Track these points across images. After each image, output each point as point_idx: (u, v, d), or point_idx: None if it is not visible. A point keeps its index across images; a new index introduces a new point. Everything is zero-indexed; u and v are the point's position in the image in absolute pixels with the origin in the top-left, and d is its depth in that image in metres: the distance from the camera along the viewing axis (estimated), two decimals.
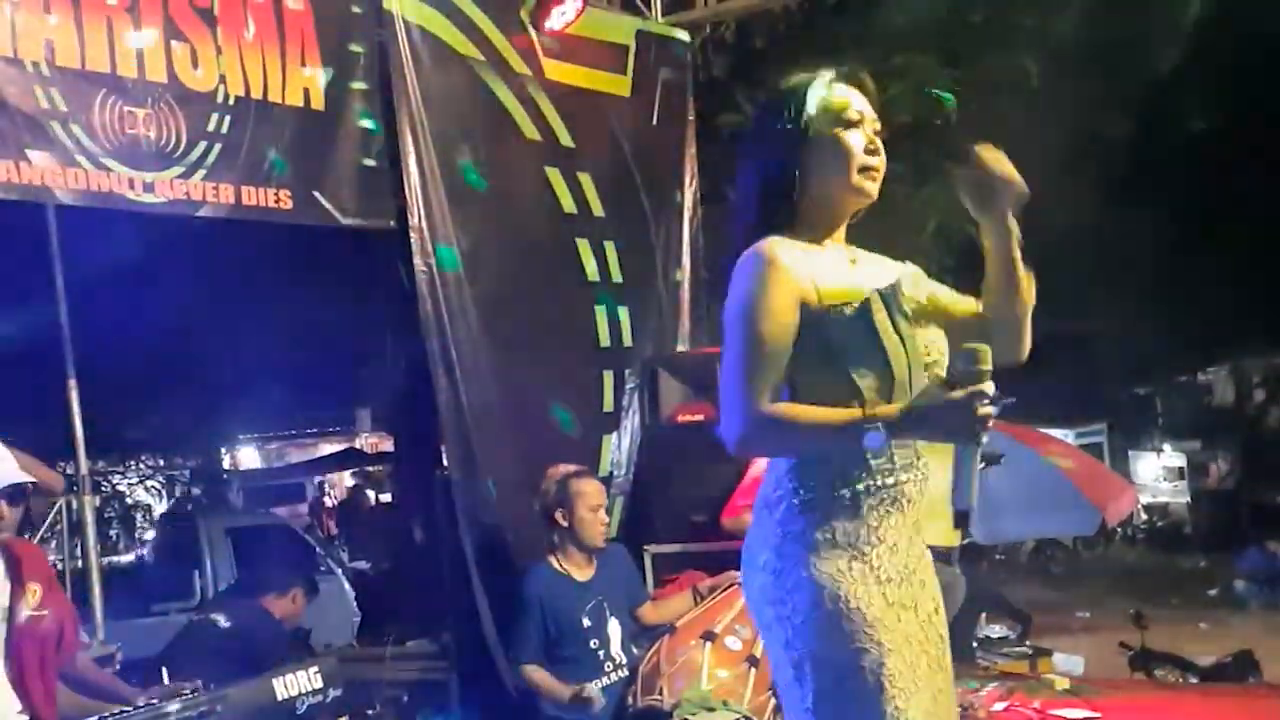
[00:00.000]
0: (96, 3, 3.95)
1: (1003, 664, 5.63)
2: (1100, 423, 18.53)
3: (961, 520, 2.11)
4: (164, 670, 3.79)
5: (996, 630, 6.82)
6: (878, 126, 2.33)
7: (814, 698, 2.21)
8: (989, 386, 2.09)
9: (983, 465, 5.00)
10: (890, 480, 2.22)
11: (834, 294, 2.22)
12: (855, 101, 2.31)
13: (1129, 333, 15.84)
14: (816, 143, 2.28)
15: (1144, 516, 17.55)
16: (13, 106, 3.76)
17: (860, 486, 2.21)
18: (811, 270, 2.24)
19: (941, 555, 2.83)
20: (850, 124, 2.30)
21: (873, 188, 2.31)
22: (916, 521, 2.29)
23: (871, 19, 7.09)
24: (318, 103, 4.64)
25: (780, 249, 2.23)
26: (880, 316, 2.22)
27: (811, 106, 2.29)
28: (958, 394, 2.09)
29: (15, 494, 3.43)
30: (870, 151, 2.30)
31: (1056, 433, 11.88)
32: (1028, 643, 6.44)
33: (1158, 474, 19.53)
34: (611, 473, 5.66)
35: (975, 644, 6.14)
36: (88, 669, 3.78)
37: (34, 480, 3.46)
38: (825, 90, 2.30)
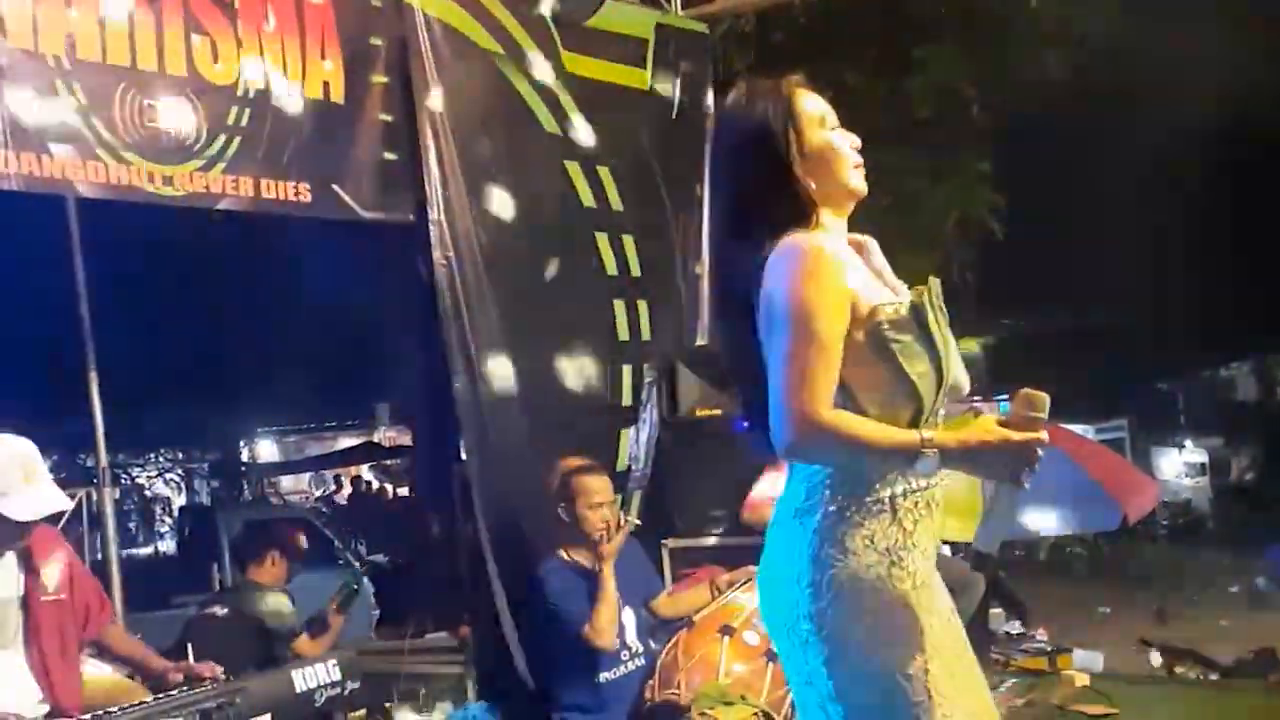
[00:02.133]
0: None
1: (1021, 660, 5.62)
2: (1122, 418, 18.44)
3: (981, 564, 2.11)
4: (189, 648, 3.81)
5: (1014, 626, 6.80)
6: (839, 126, 2.37)
7: (851, 711, 2.17)
8: (1045, 435, 2.09)
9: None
10: (924, 484, 2.21)
11: (872, 292, 2.22)
12: (825, 106, 2.36)
13: (1152, 328, 15.76)
14: (816, 149, 2.30)
15: (1166, 512, 17.46)
16: (33, 99, 3.77)
17: (898, 490, 2.19)
18: (852, 264, 2.24)
19: (958, 551, 2.82)
20: (830, 127, 2.34)
21: (863, 185, 2.35)
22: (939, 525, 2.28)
23: (891, 12, 7.06)
24: (337, 96, 4.65)
25: (827, 242, 2.22)
26: (932, 316, 2.22)
27: (799, 114, 2.30)
28: (1018, 437, 2.07)
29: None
30: (854, 148, 2.35)
31: (1078, 428, 11.82)
32: (1039, 635, 6.42)
33: (1180, 470, 19.43)
34: (629, 467, 5.65)
35: (992, 640, 6.14)
36: (120, 640, 3.81)
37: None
38: (802, 97, 2.33)
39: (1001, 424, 2.11)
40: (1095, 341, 17.02)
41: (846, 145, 2.33)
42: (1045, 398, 2.10)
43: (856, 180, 2.33)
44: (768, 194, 2.28)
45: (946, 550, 5.65)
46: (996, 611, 6.53)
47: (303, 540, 5.87)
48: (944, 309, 2.26)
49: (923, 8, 7.15)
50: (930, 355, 2.20)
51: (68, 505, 3.65)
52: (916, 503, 2.20)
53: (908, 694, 2.13)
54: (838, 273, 2.17)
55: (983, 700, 2.29)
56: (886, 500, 2.18)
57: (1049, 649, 5.76)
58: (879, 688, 2.14)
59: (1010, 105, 7.35)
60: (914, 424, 2.19)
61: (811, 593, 2.17)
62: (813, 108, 2.33)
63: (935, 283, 2.27)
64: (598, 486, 4.53)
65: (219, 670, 3.50)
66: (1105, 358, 16.91)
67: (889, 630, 2.14)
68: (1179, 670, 6.19)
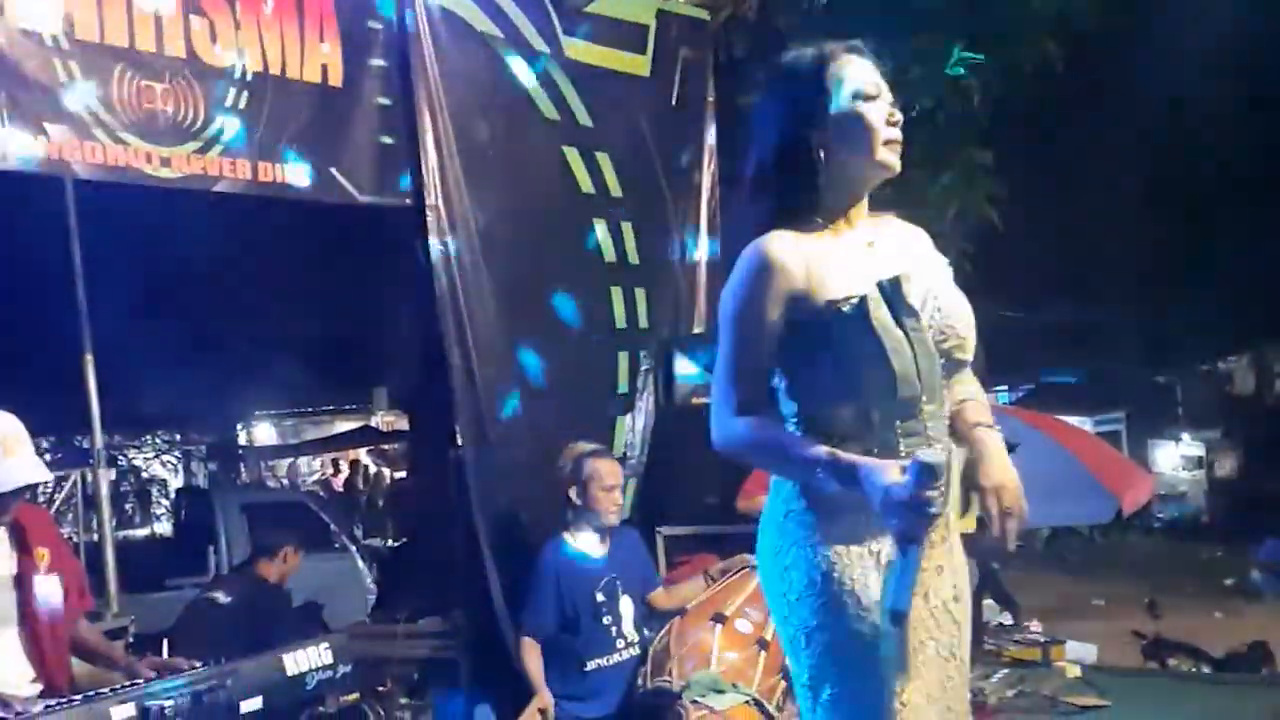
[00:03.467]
0: None
1: (1014, 651, 5.62)
2: (1119, 410, 18.47)
3: (897, 619, 2.09)
4: (164, 643, 3.80)
5: (1008, 618, 6.80)
6: (890, 99, 2.31)
7: (810, 674, 2.25)
8: (939, 503, 2.03)
9: None
10: None
11: (836, 289, 2.20)
12: (871, 75, 2.29)
13: (1150, 320, 15.76)
14: (838, 119, 2.25)
15: (1161, 505, 17.49)
16: (31, 79, 3.76)
17: None
18: (817, 264, 2.21)
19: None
20: (869, 97, 2.27)
21: (896, 160, 2.29)
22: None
23: (893, 0, 7.04)
24: (336, 79, 4.63)
25: (780, 245, 2.20)
26: (880, 313, 2.17)
27: (830, 82, 2.25)
28: (903, 491, 2.02)
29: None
30: (891, 124, 2.27)
31: (1074, 420, 11.82)
32: (1032, 627, 6.42)
33: (1176, 463, 19.46)
34: (625, 454, 5.65)
35: (985, 631, 6.14)
36: (89, 633, 3.80)
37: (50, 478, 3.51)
38: (842, 64, 2.27)
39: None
40: (1093, 333, 17.02)
41: (881, 119, 2.26)
42: (942, 465, 2.03)
43: (884, 154, 2.27)
44: (784, 164, 2.26)
45: None
46: (989, 603, 6.54)
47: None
48: (910, 306, 2.21)
49: None
50: (881, 352, 2.16)
51: (46, 477, 3.63)
52: None
53: (856, 662, 2.19)
54: (774, 280, 2.18)
55: (952, 690, 2.31)
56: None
57: (1042, 640, 5.76)
58: (828, 654, 2.21)
59: (1013, 95, 7.33)
60: (908, 408, 2.19)
61: (774, 558, 2.27)
62: (850, 75, 2.27)
63: (904, 279, 2.21)
64: (611, 470, 4.56)
65: (196, 664, 3.48)
66: (1103, 349, 16.91)
67: (840, 602, 2.18)
68: (1172, 663, 6.20)
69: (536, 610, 4.37)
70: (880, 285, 2.19)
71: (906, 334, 2.18)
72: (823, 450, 2.12)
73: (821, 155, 2.24)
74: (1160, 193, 12.89)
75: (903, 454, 2.19)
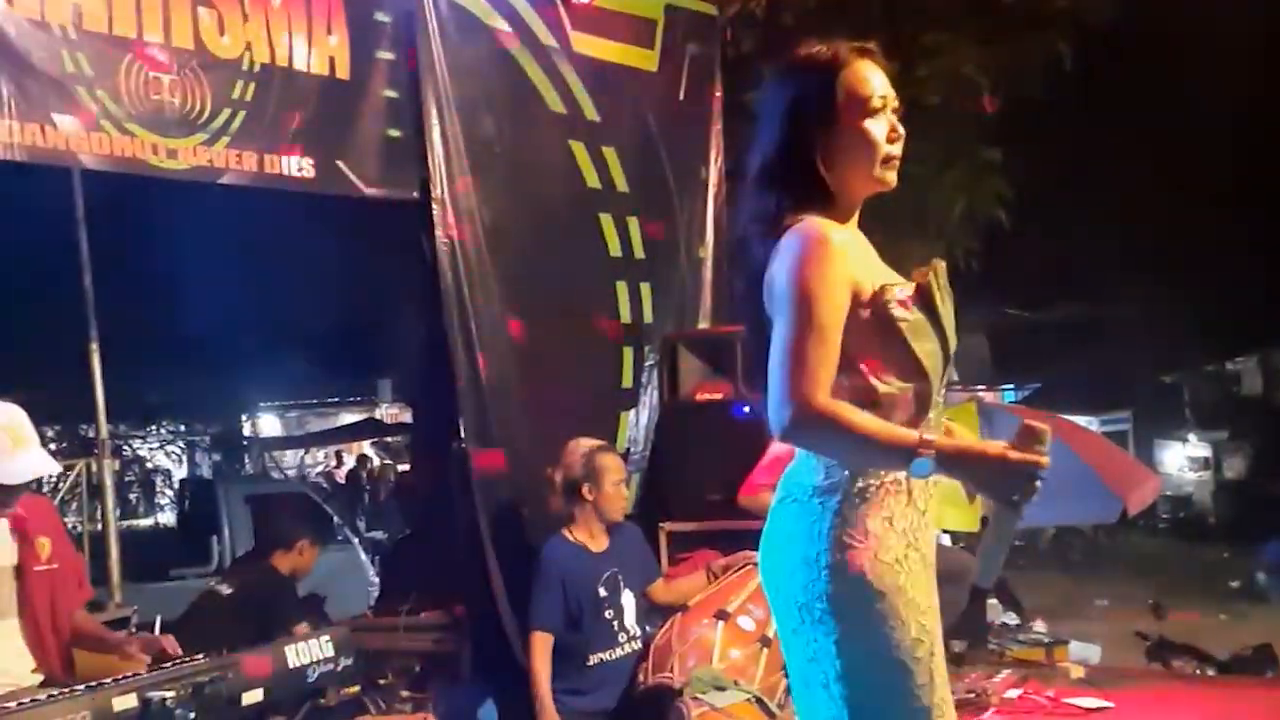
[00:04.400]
0: None
1: (1017, 651, 5.61)
2: (1125, 410, 18.43)
3: (977, 595, 2.09)
4: (156, 624, 3.79)
5: (1011, 618, 6.79)
6: (896, 106, 2.28)
7: (856, 691, 2.16)
8: (1047, 462, 2.05)
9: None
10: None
11: (881, 274, 2.20)
12: (878, 85, 2.26)
13: (1157, 320, 15.72)
14: (842, 133, 2.23)
15: (1167, 506, 17.46)
16: (39, 70, 3.76)
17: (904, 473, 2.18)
18: (857, 250, 2.22)
19: (958, 541, 2.81)
20: (875, 110, 2.24)
21: (892, 178, 2.27)
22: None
23: None
24: (343, 72, 4.63)
25: (831, 229, 2.19)
26: (939, 294, 2.20)
27: (838, 91, 2.23)
28: (1017, 456, 2.04)
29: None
30: (892, 140, 2.26)
31: (1080, 419, 11.80)
32: (1036, 627, 6.41)
33: (1182, 463, 19.41)
34: (628, 449, 5.65)
35: (988, 631, 6.13)
36: (86, 622, 3.81)
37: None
38: (852, 71, 2.25)
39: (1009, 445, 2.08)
40: (1100, 332, 16.98)
41: (883, 134, 2.24)
42: (1048, 430, 2.07)
43: (881, 172, 2.26)
44: (788, 168, 2.24)
45: (946, 540, 5.64)
46: (993, 602, 6.52)
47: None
48: (949, 289, 2.25)
49: None
50: (936, 333, 2.19)
51: (54, 469, 3.65)
52: (926, 483, 2.19)
53: (914, 676, 2.13)
54: (841, 260, 2.14)
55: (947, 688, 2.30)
56: (903, 480, 2.17)
57: (1046, 641, 5.75)
58: (888, 669, 2.14)
59: (1021, 94, 7.30)
60: (924, 405, 2.19)
61: (829, 573, 2.14)
62: (862, 87, 2.24)
63: (940, 264, 2.25)
64: (617, 465, 4.58)
65: (174, 644, 3.47)
66: (1110, 349, 16.86)
67: (903, 612, 2.13)
68: (1176, 665, 6.18)
69: (543, 607, 4.36)
70: (935, 266, 2.20)
71: (950, 316, 2.22)
72: (915, 434, 2.08)
73: (824, 164, 2.23)
74: (1169, 192, 12.84)
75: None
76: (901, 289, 2.19)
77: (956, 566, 4.81)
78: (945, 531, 5.61)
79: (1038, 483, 2.05)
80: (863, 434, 2.07)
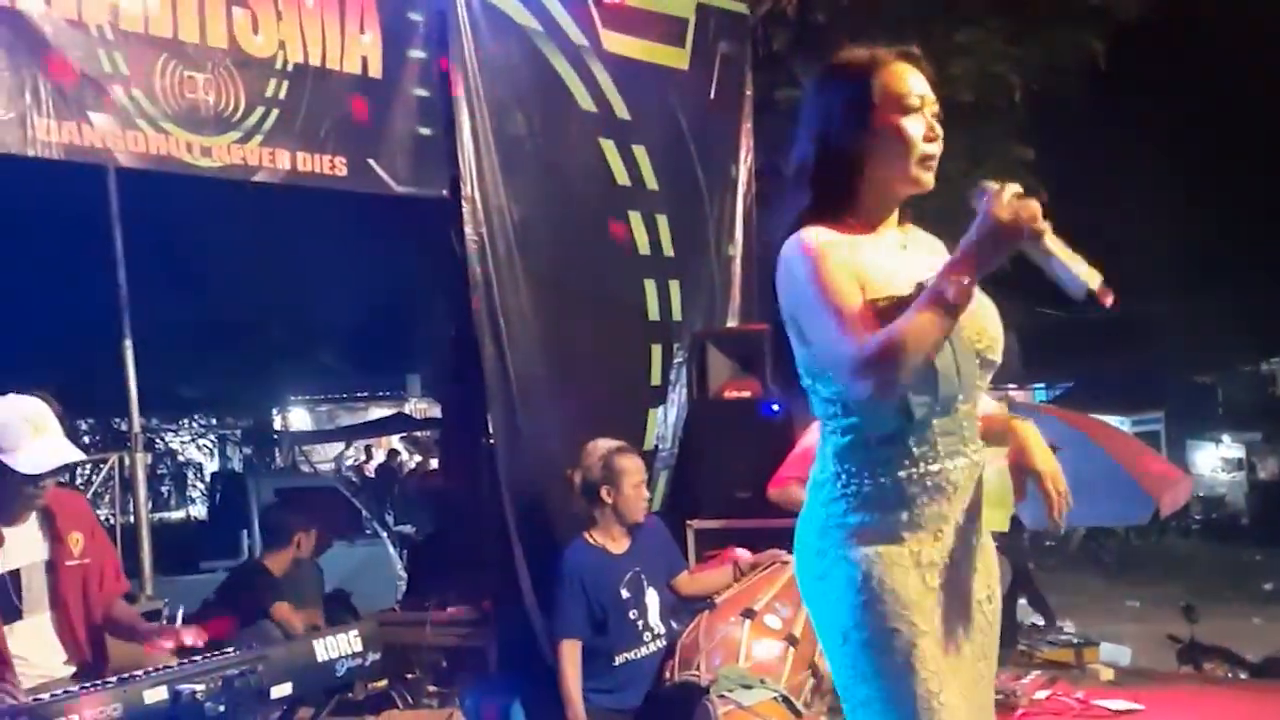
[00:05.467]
0: None
1: (1047, 652, 5.58)
2: (1158, 410, 18.28)
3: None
4: (178, 617, 3.83)
5: (1041, 619, 6.76)
6: (935, 109, 2.29)
7: (850, 676, 2.23)
8: (1012, 186, 2.08)
9: None
10: (935, 467, 2.20)
11: (878, 286, 2.18)
12: (916, 85, 2.27)
13: (1191, 319, 15.58)
14: (878, 131, 2.24)
15: (1200, 507, 17.30)
16: (76, 69, 3.80)
17: (903, 474, 2.19)
18: (859, 260, 2.21)
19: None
20: (911, 110, 2.25)
21: (929, 178, 2.27)
22: (970, 509, 2.26)
23: None
24: (375, 70, 4.66)
25: (824, 236, 2.20)
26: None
27: (876, 92, 2.24)
28: (996, 205, 2.06)
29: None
30: (929, 139, 2.26)
31: (1112, 419, 11.71)
32: (1067, 628, 6.37)
33: (1216, 464, 19.24)
34: (656, 446, 5.66)
35: (1018, 631, 6.10)
36: (125, 614, 3.84)
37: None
38: (890, 73, 2.26)
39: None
40: (1133, 332, 16.85)
41: (921, 134, 2.24)
42: (995, 185, 2.08)
43: (918, 172, 2.26)
44: (825, 169, 2.25)
45: None
46: (1023, 603, 6.50)
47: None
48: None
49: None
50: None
51: (77, 457, 3.66)
52: (925, 486, 2.20)
53: (893, 663, 2.17)
54: (832, 250, 2.17)
55: (983, 691, 2.31)
56: (889, 482, 2.19)
57: (1075, 642, 5.72)
58: (866, 655, 2.19)
59: (1053, 90, 7.26)
60: (946, 406, 2.19)
61: (817, 559, 2.24)
62: (898, 85, 2.25)
63: None
64: (637, 466, 4.57)
65: (203, 637, 3.50)
66: (1143, 348, 16.72)
67: (880, 602, 2.17)
68: (1208, 667, 6.13)
69: (566, 614, 4.37)
70: (921, 285, 2.17)
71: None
72: (935, 285, 2.07)
73: (859, 163, 2.24)
74: (1203, 190, 12.73)
75: (941, 453, 2.20)
76: (885, 302, 2.15)
77: None
78: None
79: (1029, 201, 2.07)
80: (913, 332, 2.05)
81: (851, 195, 2.26)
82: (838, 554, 2.21)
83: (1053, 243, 2.12)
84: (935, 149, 2.26)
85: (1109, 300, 2.11)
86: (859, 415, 2.21)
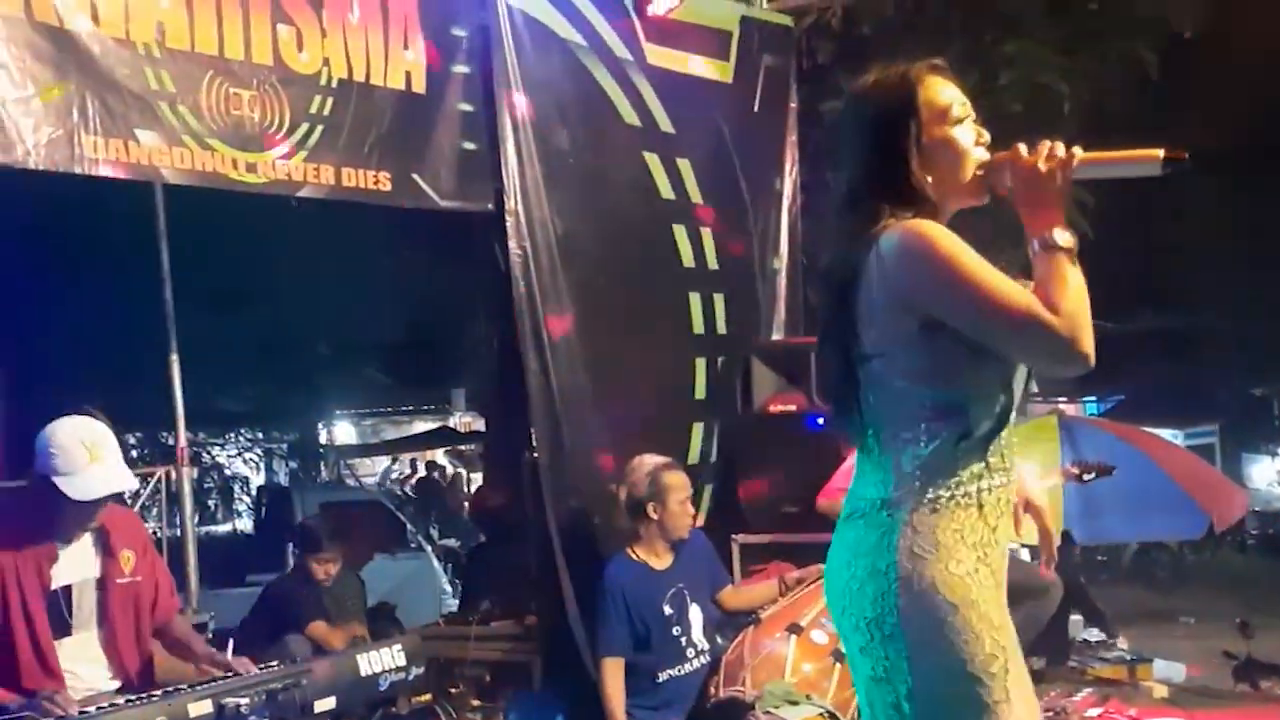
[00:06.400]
0: None
1: (1099, 669, 5.51)
2: (1212, 423, 17.98)
3: (1171, 164, 2.06)
4: (230, 644, 3.85)
5: (1094, 634, 6.65)
6: (974, 116, 2.26)
7: (926, 708, 2.12)
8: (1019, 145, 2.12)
9: (1092, 476, 4.85)
10: (1007, 480, 2.17)
11: None
12: (956, 95, 2.24)
13: (1245, 331, 15.34)
14: (929, 146, 2.20)
15: (1255, 522, 17.01)
16: (123, 87, 3.83)
17: (984, 484, 2.14)
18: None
19: (1038, 555, 2.74)
20: (958, 120, 2.22)
21: (985, 189, 2.23)
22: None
23: (982, 5, 6.92)
24: (419, 86, 4.67)
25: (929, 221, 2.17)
26: None
27: (921, 110, 2.21)
28: (1026, 154, 2.09)
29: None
30: (980, 144, 2.22)
31: (1165, 433, 11.54)
32: (1119, 644, 6.28)
33: (1272, 478, 18.96)
34: (700, 460, 5.62)
35: (1070, 647, 6.01)
36: (184, 632, 3.87)
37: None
38: (928, 87, 2.22)
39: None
40: (1186, 343, 16.61)
41: (971, 140, 2.22)
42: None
43: (974, 182, 2.22)
44: (880, 184, 2.20)
45: (1025, 554, 5.56)
46: (1075, 618, 6.40)
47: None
48: None
49: (1017, 2, 7.00)
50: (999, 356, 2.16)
51: (131, 485, 3.68)
52: (999, 499, 2.15)
53: (990, 693, 2.08)
54: (959, 239, 2.13)
55: (1033, 707, 2.25)
56: (974, 494, 2.13)
57: (1129, 658, 5.65)
58: (962, 685, 2.09)
59: (1103, 101, 7.18)
60: (1004, 419, 2.16)
61: (900, 586, 2.11)
62: (940, 98, 2.22)
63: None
64: (682, 482, 4.56)
65: (253, 668, 3.50)
66: (1196, 360, 16.48)
67: (977, 626, 2.08)
68: (1264, 685, 6.02)
69: (609, 631, 4.36)
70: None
71: None
72: (1046, 237, 2.08)
73: (914, 183, 2.20)
74: (1257, 200, 12.53)
75: (1008, 465, 2.16)
76: None
77: (1038, 581, 4.74)
78: (1025, 545, 5.52)
79: (1042, 145, 2.09)
80: (1076, 285, 2.07)
81: (913, 211, 2.18)
82: (929, 578, 2.11)
83: (1095, 155, 2.10)
84: (986, 155, 2.23)
85: (1185, 155, 2.08)
86: (959, 419, 2.14)
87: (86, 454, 3.38)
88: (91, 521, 3.48)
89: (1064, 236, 2.07)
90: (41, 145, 3.63)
